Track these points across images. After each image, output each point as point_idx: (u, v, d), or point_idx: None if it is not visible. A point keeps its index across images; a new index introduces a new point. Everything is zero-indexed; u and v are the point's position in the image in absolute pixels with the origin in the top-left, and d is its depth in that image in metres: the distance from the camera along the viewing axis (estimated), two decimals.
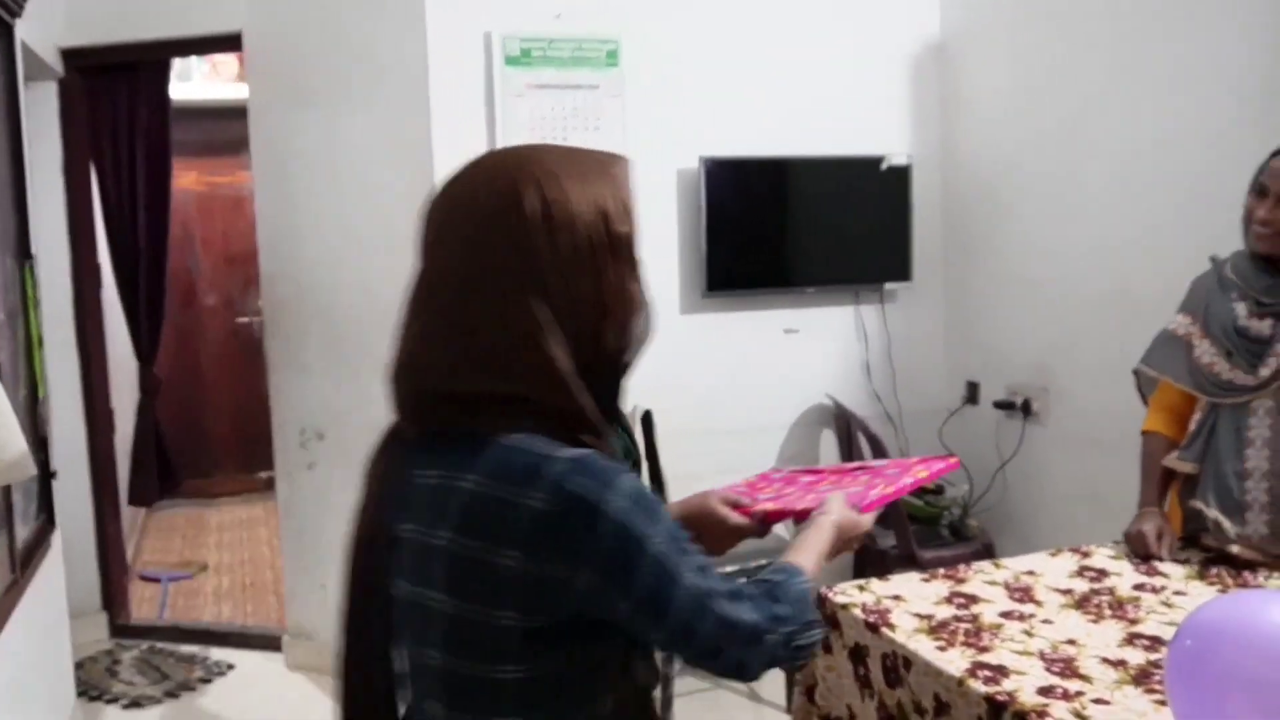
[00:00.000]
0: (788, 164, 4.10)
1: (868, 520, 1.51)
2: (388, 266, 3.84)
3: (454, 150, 3.73)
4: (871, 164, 4.17)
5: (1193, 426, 2.45)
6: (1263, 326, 2.33)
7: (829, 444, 4.27)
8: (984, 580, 2.30)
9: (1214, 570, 2.30)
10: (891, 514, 3.87)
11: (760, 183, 4.10)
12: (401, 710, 1.26)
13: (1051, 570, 2.35)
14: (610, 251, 1.18)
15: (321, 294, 3.98)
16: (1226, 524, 2.33)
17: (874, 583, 2.28)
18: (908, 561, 3.88)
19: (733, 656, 1.21)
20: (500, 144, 3.76)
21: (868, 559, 4.11)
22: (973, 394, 4.30)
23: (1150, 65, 3.41)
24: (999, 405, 4.11)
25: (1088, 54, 3.66)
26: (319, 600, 4.10)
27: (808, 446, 4.28)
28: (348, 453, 3.96)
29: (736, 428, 4.11)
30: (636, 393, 3.74)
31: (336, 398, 3.99)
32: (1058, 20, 3.79)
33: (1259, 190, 2.34)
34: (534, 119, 3.81)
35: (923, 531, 4.00)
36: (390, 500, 1.23)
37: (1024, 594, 2.22)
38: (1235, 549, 2.33)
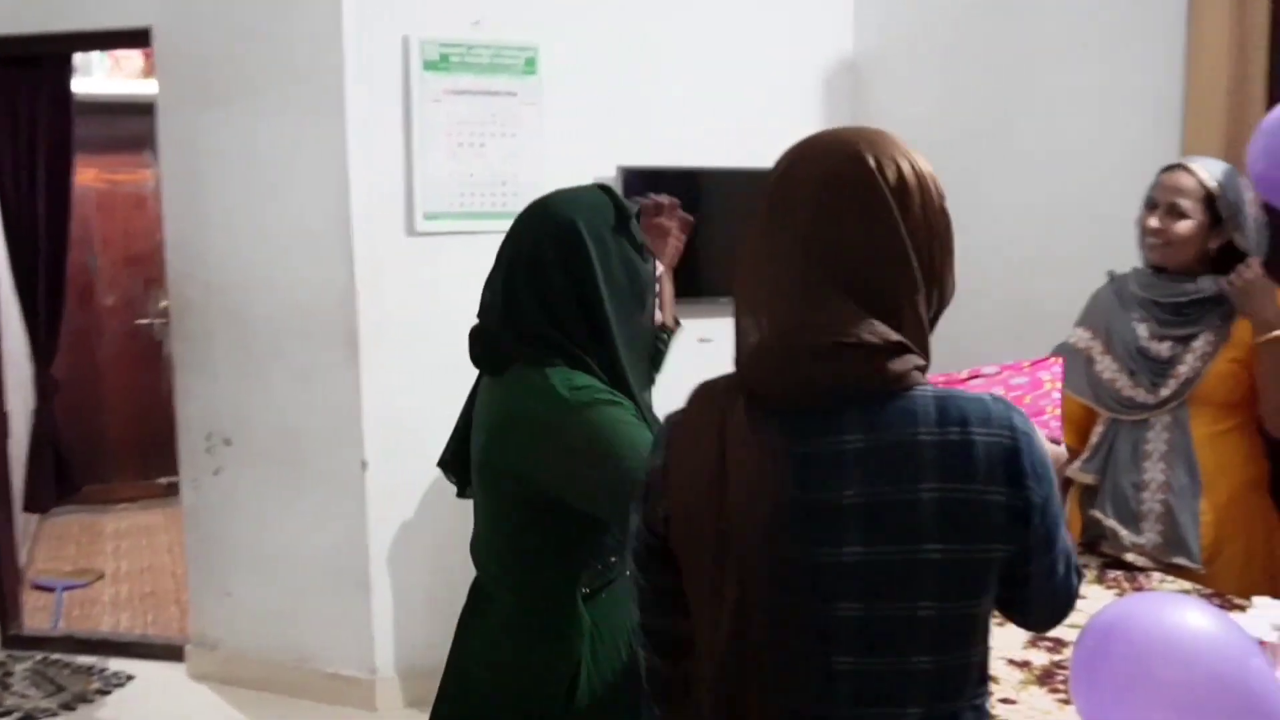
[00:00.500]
0: (704, 174, 4.16)
1: (1063, 450, 1.62)
2: (300, 268, 3.82)
3: (369, 154, 3.71)
4: None
5: (1094, 439, 2.54)
6: (1163, 348, 2.45)
7: None
8: None
9: (1111, 575, 2.40)
10: None
11: (676, 193, 4.11)
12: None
13: None
14: (945, 219, 1.27)
15: (231, 295, 3.92)
16: (1123, 533, 2.43)
17: None
18: None
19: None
20: (416, 149, 3.75)
21: None
22: None
23: (1056, 87, 3.53)
24: None
25: (995, 76, 3.78)
26: (225, 608, 4.03)
27: None
28: (256, 458, 3.91)
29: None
30: None
31: (245, 402, 3.92)
32: (967, 43, 3.90)
33: (1150, 204, 2.48)
34: (451, 125, 3.80)
35: None
36: (791, 471, 1.18)
37: None
38: (1130, 556, 2.43)
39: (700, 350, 4.26)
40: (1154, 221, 2.45)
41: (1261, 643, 1.84)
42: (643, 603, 1.33)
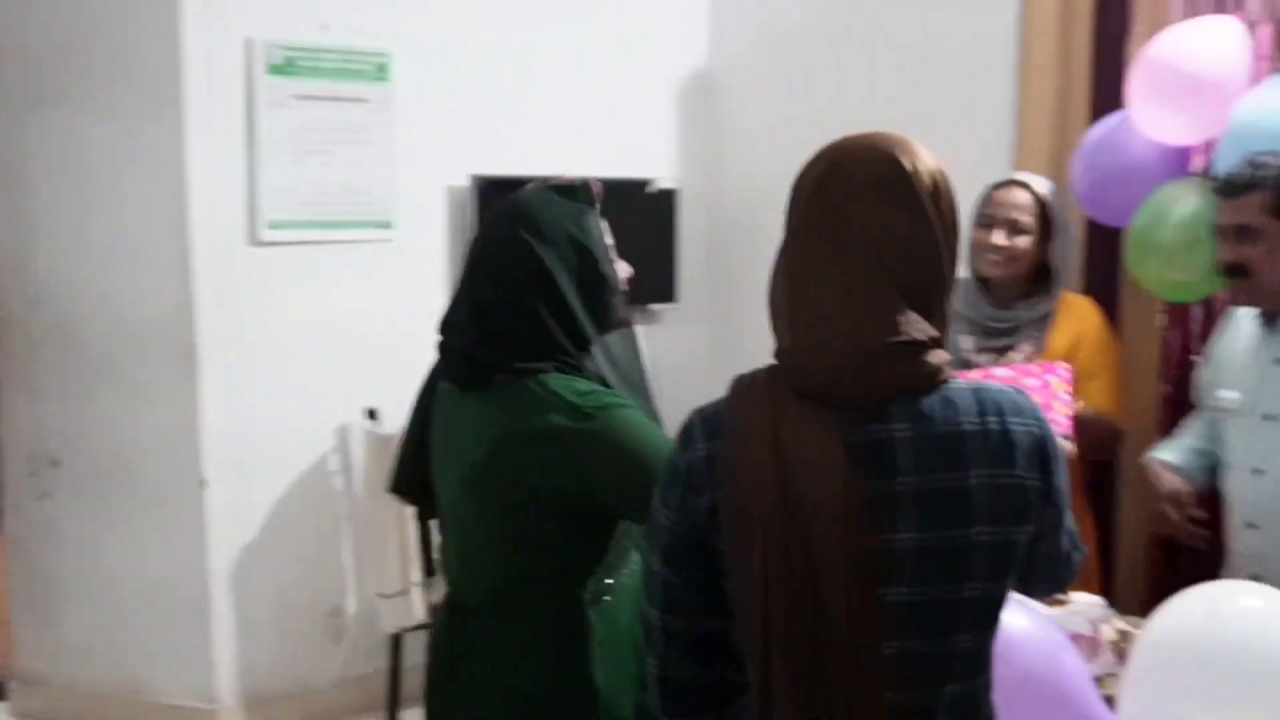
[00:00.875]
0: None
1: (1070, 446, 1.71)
2: (133, 280, 3.62)
3: (209, 160, 3.55)
4: (638, 187, 4.22)
5: None
6: (982, 360, 2.51)
7: None
8: None
9: None
10: None
11: None
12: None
13: None
14: (957, 219, 1.31)
15: (58, 309, 3.69)
16: None
17: None
18: None
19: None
20: (262, 156, 3.60)
21: None
22: None
23: (905, 104, 3.60)
24: None
25: (844, 89, 3.84)
26: (52, 640, 3.80)
27: None
28: (86, 480, 3.70)
29: None
30: (402, 414, 3.66)
31: (74, 421, 3.70)
32: (815, 55, 3.96)
33: (985, 221, 2.53)
34: (298, 131, 3.66)
35: None
36: (850, 462, 1.20)
37: None
38: None
39: None
40: (997, 239, 2.50)
41: (1076, 637, 1.89)
42: (670, 602, 1.30)
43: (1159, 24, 2.66)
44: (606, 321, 1.77)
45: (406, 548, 3.30)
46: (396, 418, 3.71)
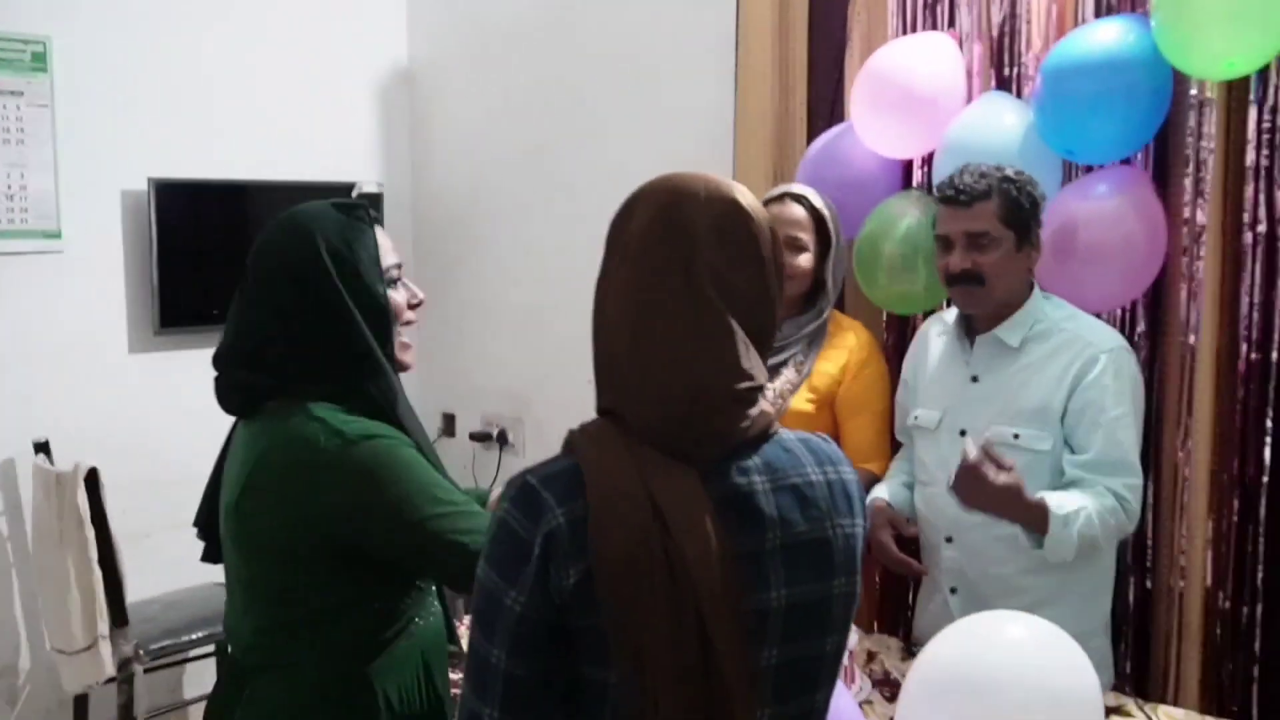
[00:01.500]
0: (251, 188, 3.81)
1: None
2: None
3: None
4: (343, 191, 3.99)
5: None
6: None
7: None
8: None
9: None
10: None
11: (221, 208, 3.78)
12: None
13: None
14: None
15: None
16: None
17: None
18: None
19: None
20: None
21: None
22: (450, 426, 4.27)
23: (618, 105, 3.56)
24: (475, 437, 4.11)
25: (554, 86, 3.76)
26: None
27: None
28: None
29: (195, 475, 3.73)
30: (78, 447, 3.29)
31: None
32: (522, 55, 3.85)
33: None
34: None
35: None
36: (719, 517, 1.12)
37: None
38: None
39: None
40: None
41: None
42: (512, 700, 1.13)
43: (874, 37, 2.69)
44: (389, 346, 1.63)
45: (91, 597, 2.94)
46: (71, 451, 3.35)
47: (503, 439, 4.04)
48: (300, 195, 3.79)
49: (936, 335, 2.27)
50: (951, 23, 2.57)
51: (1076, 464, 2.02)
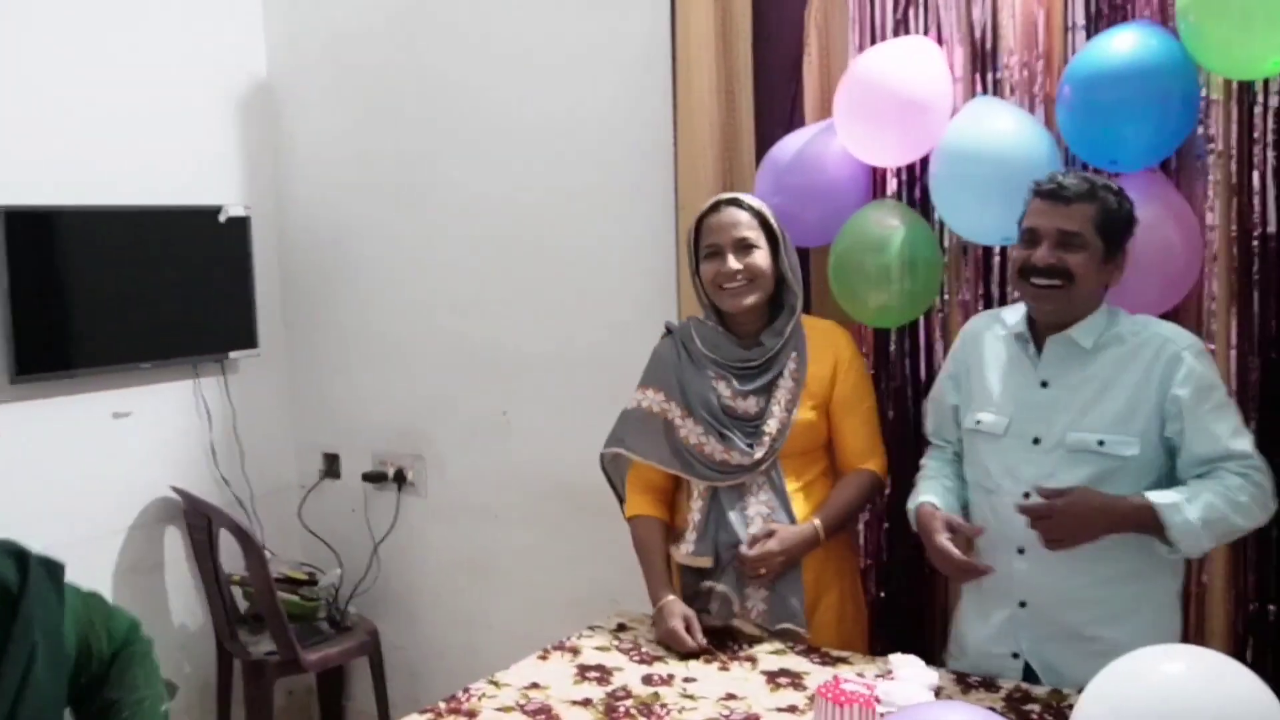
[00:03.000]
0: (110, 216, 3.39)
1: None
2: None
3: None
4: (208, 215, 3.62)
5: (696, 517, 2.35)
6: (749, 405, 2.33)
7: (175, 543, 3.62)
8: (494, 707, 2.00)
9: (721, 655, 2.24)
10: (267, 614, 3.38)
11: (78, 239, 3.34)
12: None
13: (555, 679, 2.12)
14: None
15: None
16: (736, 600, 2.28)
17: None
18: (292, 667, 3.42)
19: None
20: None
21: (227, 670, 3.58)
22: (332, 467, 3.93)
23: (505, 105, 3.36)
24: (368, 477, 3.80)
25: (424, 91, 3.53)
26: None
27: (153, 550, 3.60)
28: None
29: (59, 540, 3.30)
30: None
31: None
32: (388, 55, 3.59)
33: (712, 252, 2.33)
34: None
35: (302, 629, 3.54)
36: None
37: (545, 713, 1.97)
38: (737, 623, 2.30)
39: (117, 427, 3.51)
40: (732, 263, 2.29)
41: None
42: None
43: (833, 45, 2.61)
44: None
45: None
46: None
47: (400, 478, 3.75)
48: (164, 222, 3.50)
49: (994, 336, 2.18)
50: (917, 29, 2.51)
51: (1186, 462, 1.98)
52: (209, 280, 3.66)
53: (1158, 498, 1.90)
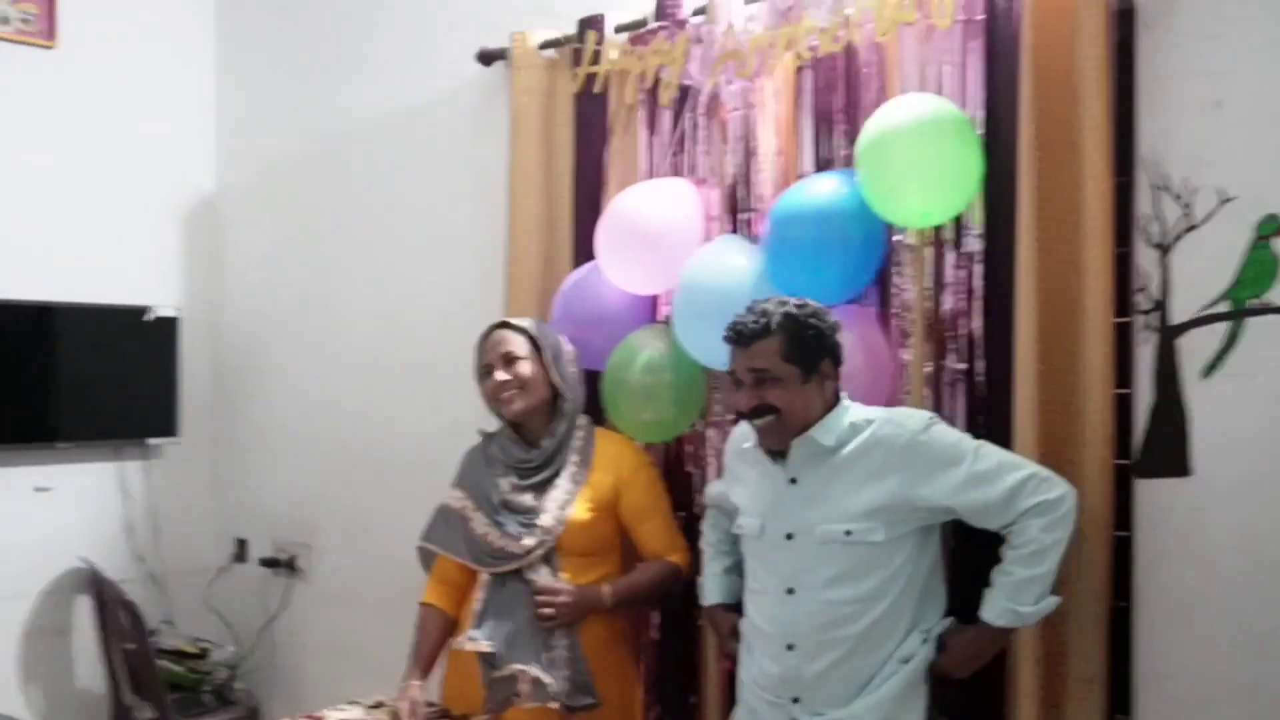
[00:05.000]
0: (43, 309, 3.81)
1: None
2: None
3: None
4: (136, 314, 4.00)
5: (476, 606, 2.54)
6: (526, 498, 2.54)
7: (84, 611, 3.92)
8: None
9: None
10: (146, 682, 3.64)
11: (10, 327, 3.76)
12: None
13: None
14: None
15: None
16: (547, 680, 2.44)
17: None
18: None
19: None
20: None
21: None
22: (242, 551, 4.21)
23: (398, 235, 3.69)
24: (265, 563, 4.07)
25: (332, 217, 3.89)
26: None
27: (61, 615, 3.90)
28: None
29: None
30: None
31: None
32: (308, 183, 3.98)
33: (485, 371, 2.58)
34: None
35: (185, 700, 3.79)
36: None
37: None
38: (554, 706, 2.44)
39: (36, 501, 3.86)
40: (500, 375, 2.55)
41: None
42: None
43: (627, 182, 2.87)
44: None
45: None
46: None
47: (291, 565, 4.01)
48: (95, 317, 3.89)
49: (746, 447, 2.29)
50: (685, 171, 2.76)
51: (986, 521, 2.08)
52: (135, 372, 4.03)
53: (991, 617, 2.06)
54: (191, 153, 4.29)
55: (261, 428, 4.16)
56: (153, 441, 4.10)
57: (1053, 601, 2.05)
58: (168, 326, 4.08)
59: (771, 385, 2.10)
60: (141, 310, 4.01)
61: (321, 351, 3.95)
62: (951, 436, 2.13)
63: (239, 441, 4.26)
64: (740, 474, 2.33)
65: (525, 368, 2.57)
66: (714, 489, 2.55)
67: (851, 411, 2.17)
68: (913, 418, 2.14)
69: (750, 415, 2.13)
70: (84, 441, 3.93)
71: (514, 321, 2.63)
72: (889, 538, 2.09)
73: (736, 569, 2.41)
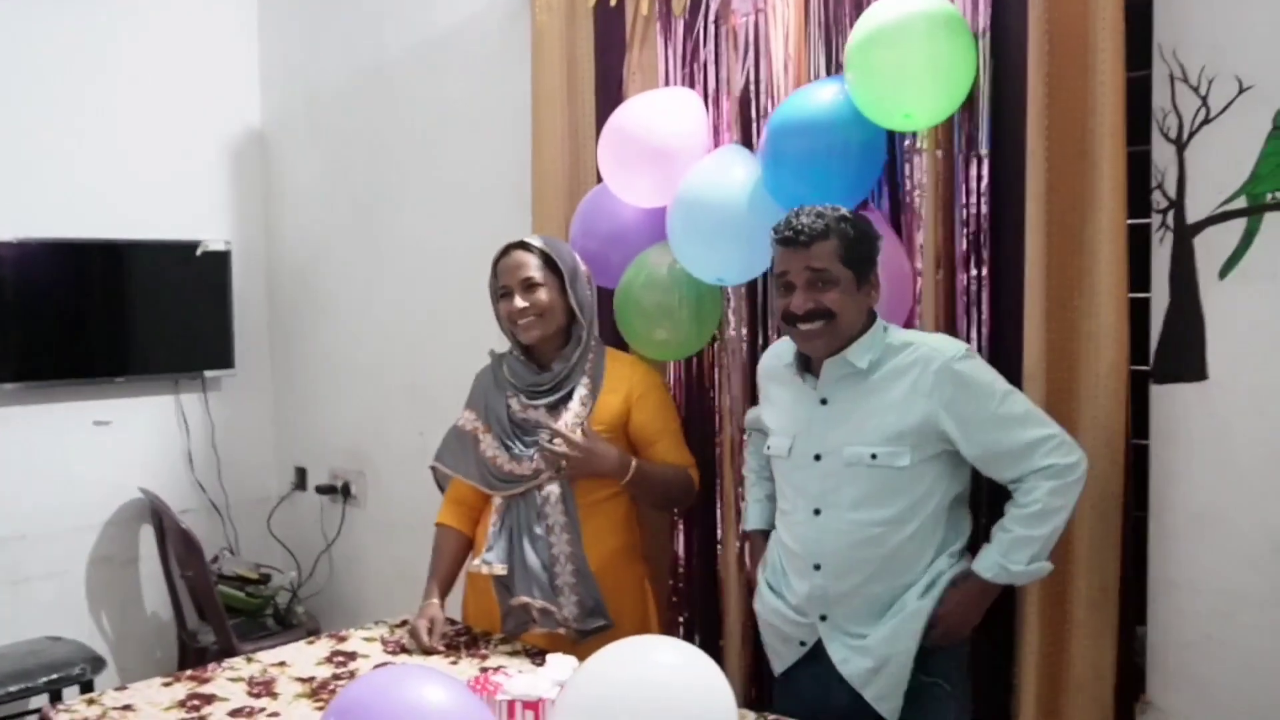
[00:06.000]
0: (95, 247, 3.91)
1: None
2: None
3: None
4: (189, 249, 4.08)
5: (492, 527, 2.54)
6: (537, 415, 2.52)
7: (149, 541, 4.07)
8: (228, 678, 2.29)
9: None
10: (207, 607, 3.76)
11: (65, 266, 3.87)
12: None
13: (302, 659, 2.39)
14: None
15: None
16: (553, 609, 2.46)
17: (107, 694, 2.19)
18: (227, 655, 3.78)
19: None
20: None
21: (186, 657, 3.97)
22: (301, 480, 4.32)
23: (424, 161, 3.69)
24: (321, 490, 4.17)
25: (373, 149, 3.91)
26: None
27: (126, 545, 4.05)
28: None
29: (35, 532, 3.80)
30: None
31: None
32: (353, 122, 4.00)
33: (502, 293, 2.54)
34: None
35: (247, 624, 3.92)
36: None
37: (264, 688, 2.23)
38: (563, 631, 2.47)
39: (96, 434, 3.99)
40: (518, 302, 2.50)
41: (533, 703, 1.96)
42: None
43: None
44: None
45: None
46: None
47: (346, 492, 4.10)
48: (146, 253, 3.98)
49: (777, 368, 2.27)
50: (697, 82, 2.70)
51: (995, 469, 2.05)
52: (189, 306, 4.12)
53: (980, 569, 2.03)
54: (238, 89, 4.35)
55: (315, 358, 4.24)
56: (210, 374, 4.20)
57: (1045, 567, 2.00)
58: (220, 260, 4.15)
59: (828, 288, 2.06)
60: (194, 245, 4.09)
61: (368, 281, 3.99)
62: (986, 374, 2.05)
63: (294, 372, 4.35)
64: (772, 395, 2.30)
65: (543, 294, 2.51)
66: (752, 414, 2.51)
67: (891, 333, 2.12)
68: (950, 344, 2.08)
69: (804, 318, 2.08)
70: (143, 375, 4.04)
71: (533, 242, 2.56)
72: (915, 462, 2.05)
73: (772, 501, 2.38)
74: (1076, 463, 1.98)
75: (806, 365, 2.18)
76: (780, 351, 2.29)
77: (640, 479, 2.51)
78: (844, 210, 2.10)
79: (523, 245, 2.56)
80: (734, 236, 2.40)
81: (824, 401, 2.14)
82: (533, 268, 2.52)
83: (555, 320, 2.54)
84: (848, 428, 2.10)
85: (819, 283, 2.06)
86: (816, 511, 2.12)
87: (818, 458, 2.13)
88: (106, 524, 4.00)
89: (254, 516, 4.31)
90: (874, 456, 2.06)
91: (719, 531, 2.79)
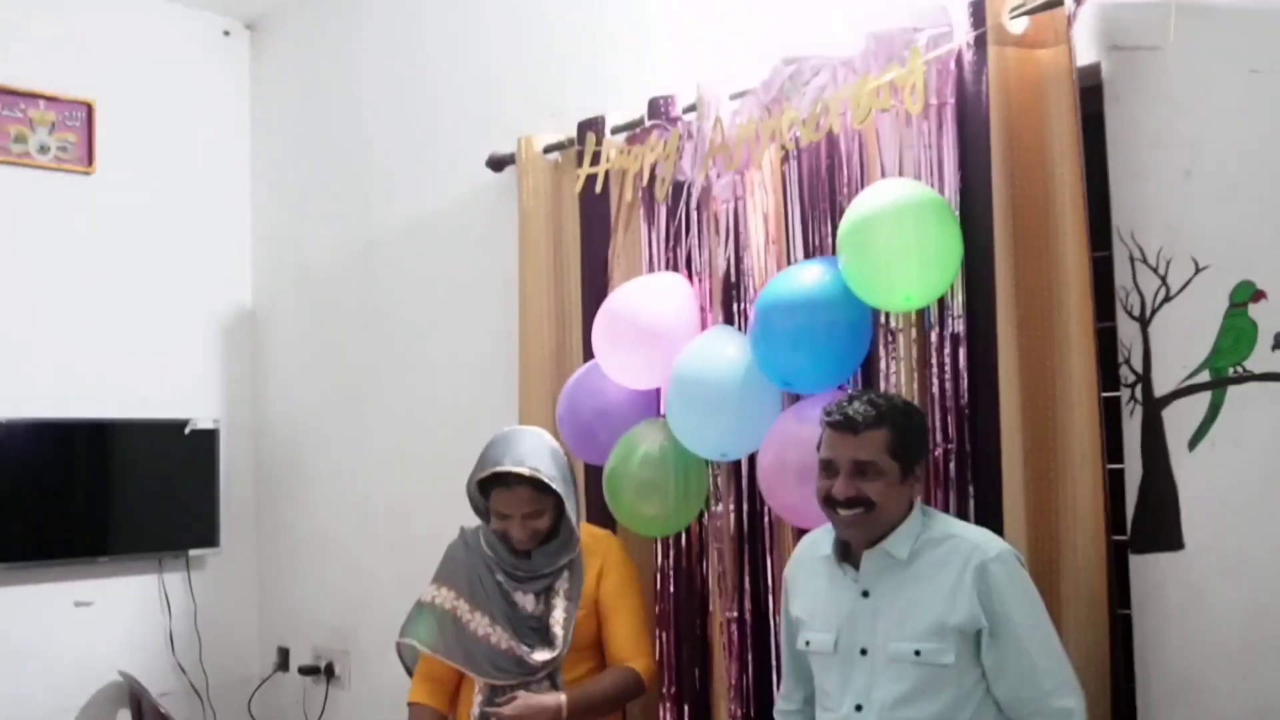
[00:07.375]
0: (81, 426, 3.95)
1: None
2: None
3: None
4: (177, 427, 4.11)
5: (475, 711, 2.52)
6: (529, 601, 2.54)
7: None
8: None
9: None
10: None
11: (50, 446, 3.89)
12: None
13: None
14: None
15: None
16: None
17: None
18: None
19: None
20: None
21: None
22: (284, 660, 4.24)
23: (423, 336, 3.78)
24: (304, 670, 4.09)
25: (361, 326, 4.00)
26: None
27: None
28: None
29: (10, 717, 3.71)
30: None
31: None
32: (343, 303, 4.09)
33: (500, 515, 2.56)
34: None
35: None
36: None
37: None
38: None
39: (76, 615, 3.93)
40: (517, 532, 2.55)
41: None
42: None
43: (631, 277, 2.91)
44: None
45: None
46: None
47: (329, 672, 4.03)
48: (135, 432, 4.00)
49: (813, 559, 2.21)
50: (680, 266, 2.81)
51: (1003, 693, 2.00)
52: (175, 485, 4.13)
53: None
54: (231, 267, 4.44)
55: (301, 534, 4.23)
56: (194, 552, 4.17)
57: None
58: (208, 438, 4.18)
59: (873, 478, 2.02)
60: (182, 424, 4.13)
61: (356, 458, 4.02)
62: (1028, 587, 2.02)
63: (279, 549, 4.33)
64: (805, 587, 2.22)
65: (543, 521, 2.56)
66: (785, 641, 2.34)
67: (930, 521, 2.10)
68: (994, 542, 2.05)
69: (844, 505, 2.04)
70: (127, 554, 4.02)
71: (530, 472, 2.51)
72: (959, 658, 1.99)
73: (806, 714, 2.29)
74: (1080, 711, 1.95)
75: (846, 554, 2.13)
76: (818, 540, 2.23)
77: (582, 708, 2.49)
78: (898, 400, 2.10)
79: (520, 478, 2.53)
80: (734, 411, 2.46)
81: (865, 594, 2.09)
82: (530, 501, 2.54)
83: (546, 529, 2.59)
84: (890, 621, 2.04)
85: (864, 472, 2.02)
86: (859, 708, 2.05)
87: (864, 652, 2.06)
88: (83, 709, 3.91)
89: (234, 699, 4.21)
90: (917, 653, 2.00)
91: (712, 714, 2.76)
